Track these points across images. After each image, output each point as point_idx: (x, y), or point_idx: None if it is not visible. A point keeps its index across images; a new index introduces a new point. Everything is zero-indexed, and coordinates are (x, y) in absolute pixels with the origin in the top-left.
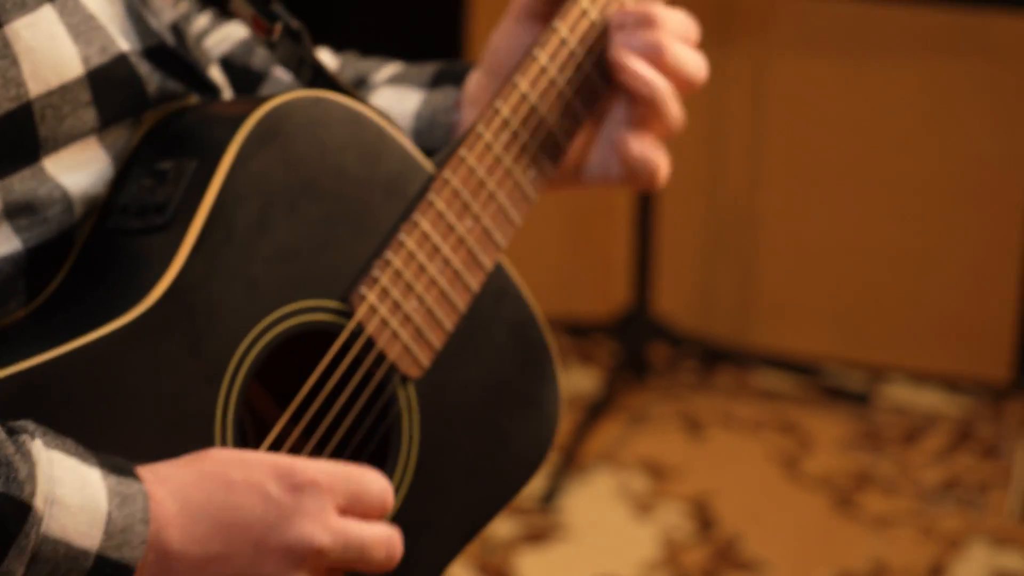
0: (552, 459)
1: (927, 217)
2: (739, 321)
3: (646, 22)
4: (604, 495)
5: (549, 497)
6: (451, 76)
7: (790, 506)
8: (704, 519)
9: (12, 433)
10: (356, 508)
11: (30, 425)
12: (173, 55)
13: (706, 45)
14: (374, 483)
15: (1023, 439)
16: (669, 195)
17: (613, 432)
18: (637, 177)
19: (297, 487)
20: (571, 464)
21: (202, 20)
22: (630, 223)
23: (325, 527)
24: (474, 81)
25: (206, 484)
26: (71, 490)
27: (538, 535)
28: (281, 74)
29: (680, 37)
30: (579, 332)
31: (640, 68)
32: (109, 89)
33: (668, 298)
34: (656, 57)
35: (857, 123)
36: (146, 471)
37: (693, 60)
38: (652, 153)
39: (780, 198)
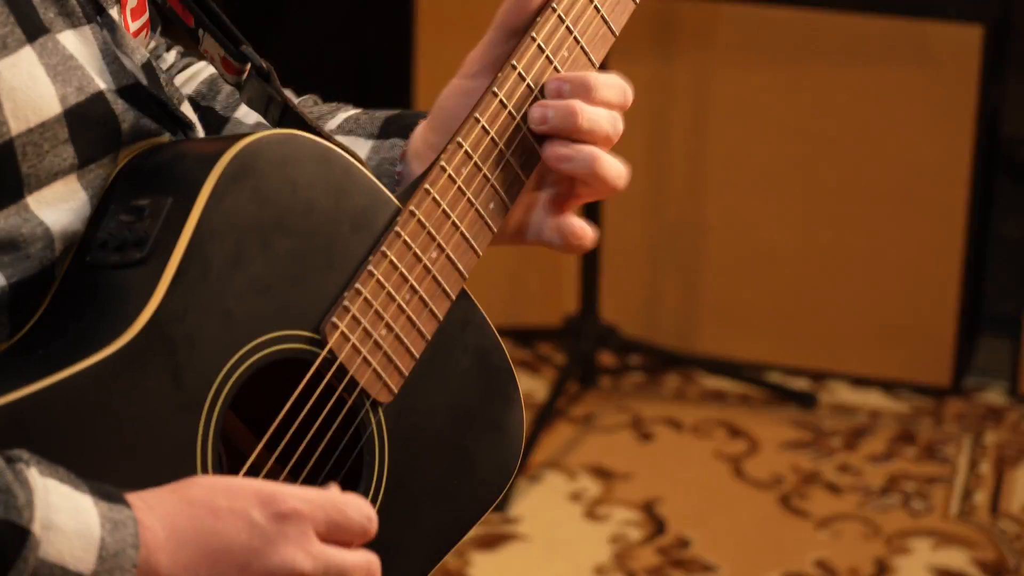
0: None
1: (868, 223)
2: (684, 327)
3: (583, 90)
4: (555, 500)
5: (502, 502)
6: (399, 127)
7: (737, 508)
8: (653, 522)
9: (9, 461)
10: (337, 534)
11: (25, 454)
12: (147, 93)
13: (648, 54)
14: (356, 510)
15: (964, 440)
16: (614, 204)
17: (562, 438)
18: (566, 245)
19: (280, 515)
20: (522, 470)
21: (169, 57)
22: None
23: (307, 553)
24: (419, 135)
25: (193, 511)
26: (66, 516)
27: (491, 541)
28: (241, 115)
29: (618, 105)
30: (528, 340)
31: (563, 152)
32: (85, 127)
33: (614, 305)
34: (571, 127)
35: (798, 130)
36: (135, 498)
37: (604, 118)
38: (576, 223)
39: (723, 206)
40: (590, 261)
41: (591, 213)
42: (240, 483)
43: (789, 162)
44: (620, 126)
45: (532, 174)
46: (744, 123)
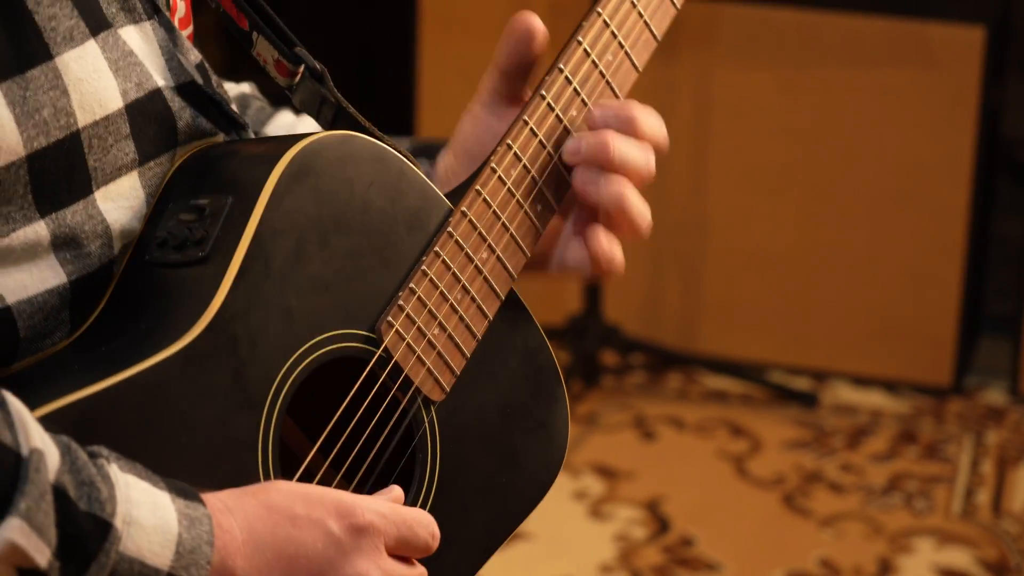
0: None
1: (870, 222)
2: (687, 326)
3: (627, 122)
4: (559, 499)
5: None
6: (425, 152)
7: (740, 506)
8: (657, 521)
9: (92, 456)
10: (404, 550)
11: (104, 450)
12: (203, 92)
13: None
14: (423, 528)
15: (965, 440)
16: None
17: None
18: (599, 272)
19: (356, 527)
20: None
21: None
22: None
23: (378, 567)
24: (443, 163)
25: (272, 517)
26: (146, 511)
27: None
28: (271, 130)
29: (654, 138)
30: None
31: (586, 177)
32: (144, 123)
33: (617, 305)
34: (604, 159)
35: (800, 131)
36: (214, 499)
37: (639, 155)
38: (610, 249)
39: (725, 205)
40: None
41: None
42: (319, 492)
43: (791, 162)
44: (653, 164)
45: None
46: (746, 123)
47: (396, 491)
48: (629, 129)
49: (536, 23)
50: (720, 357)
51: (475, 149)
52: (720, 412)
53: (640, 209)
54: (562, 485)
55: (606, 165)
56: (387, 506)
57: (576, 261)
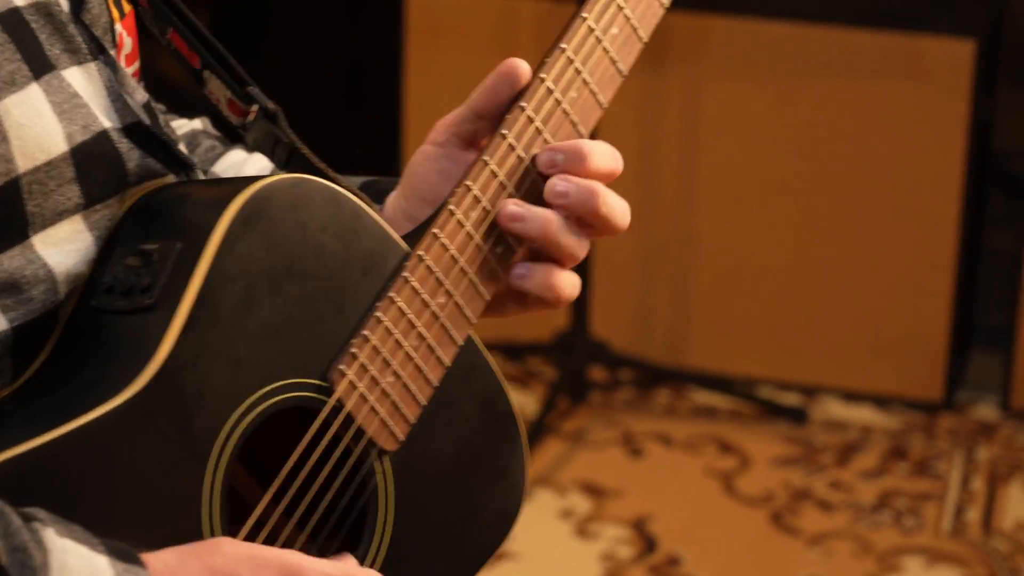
0: None
1: (860, 237)
2: (675, 342)
3: (577, 159)
4: (545, 517)
5: None
6: (374, 191)
7: (728, 525)
8: (644, 539)
9: (26, 520)
10: None
11: (41, 513)
12: (150, 133)
13: (640, 67)
14: None
15: (956, 456)
16: None
17: (553, 454)
18: (551, 299)
19: None
20: None
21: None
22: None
23: None
24: (391, 203)
25: None
26: None
27: None
28: (220, 169)
29: (608, 173)
30: (518, 355)
31: (565, 231)
32: (91, 166)
33: (605, 320)
34: (590, 208)
35: (790, 144)
36: (155, 559)
37: (619, 208)
38: (556, 281)
39: (714, 219)
40: (580, 275)
41: None
42: (264, 553)
43: (780, 176)
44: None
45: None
46: (735, 137)
47: (347, 557)
48: (584, 165)
49: (525, 69)
50: (709, 372)
51: (426, 191)
52: (709, 428)
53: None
54: (548, 503)
55: (590, 216)
56: (335, 567)
57: (534, 289)
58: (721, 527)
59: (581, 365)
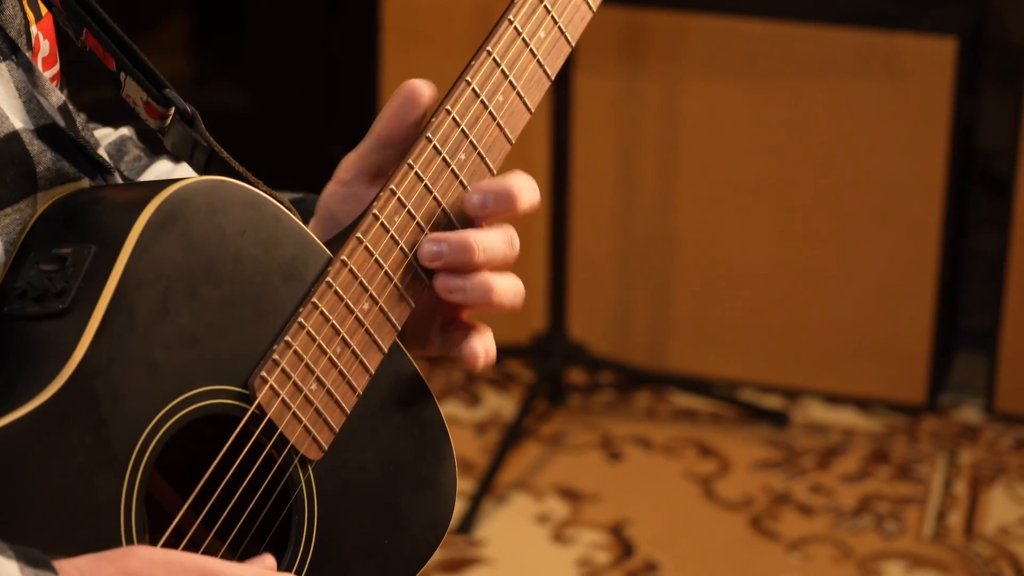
0: (469, 485)
1: (841, 238)
2: (655, 344)
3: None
4: (521, 522)
5: (467, 524)
6: (300, 210)
7: (707, 530)
8: (621, 545)
9: None
10: None
11: None
12: (65, 135)
13: (617, 68)
14: None
15: (939, 459)
16: (583, 219)
17: (530, 457)
18: (463, 362)
19: None
20: (488, 491)
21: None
22: (545, 248)
23: None
24: (311, 227)
25: None
26: None
27: (455, 564)
28: (150, 178)
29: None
30: (496, 358)
31: (455, 284)
32: (1, 167)
33: (584, 322)
34: (466, 264)
35: (770, 144)
36: (68, 565)
37: (498, 249)
38: (476, 346)
39: (694, 221)
40: (558, 277)
41: (558, 226)
42: (180, 558)
43: (761, 176)
44: (517, 243)
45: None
46: (715, 137)
47: (268, 559)
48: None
49: (425, 88)
50: (689, 375)
51: (336, 227)
52: (689, 431)
53: (511, 293)
54: (524, 508)
55: (470, 268)
56: (254, 571)
57: (454, 352)
58: (700, 532)
59: (559, 368)
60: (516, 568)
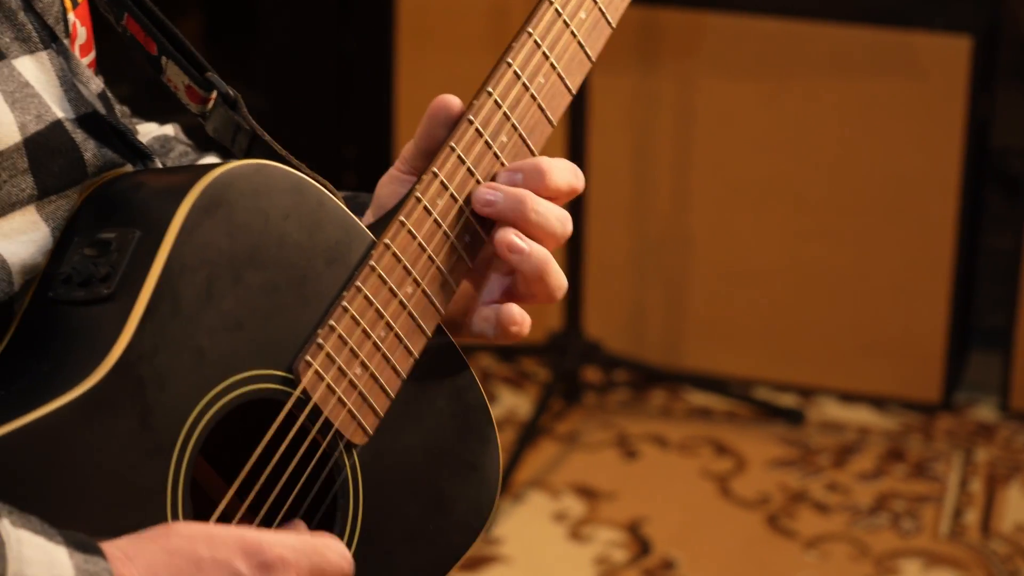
0: None
1: (856, 237)
2: (670, 342)
3: (537, 177)
4: (538, 520)
5: None
6: (353, 206)
7: (723, 528)
8: (638, 543)
9: None
10: None
11: None
12: (106, 123)
13: (632, 66)
14: (335, 552)
15: (954, 458)
16: (598, 217)
17: (546, 456)
18: (501, 334)
19: (265, 564)
20: (505, 489)
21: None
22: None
23: None
24: (366, 218)
25: (174, 561)
26: (40, 570)
27: (473, 563)
28: None
29: (567, 189)
30: (511, 356)
31: (517, 242)
32: (46, 156)
33: (599, 321)
34: (520, 218)
35: (784, 143)
36: (112, 547)
37: (554, 214)
38: (514, 311)
39: (708, 219)
40: (574, 276)
41: (574, 225)
42: (222, 531)
43: (775, 174)
44: (569, 227)
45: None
46: (729, 135)
47: (299, 524)
48: (544, 182)
49: (454, 103)
50: (705, 373)
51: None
52: (704, 430)
53: (557, 280)
54: (541, 506)
55: (522, 223)
56: (294, 537)
57: (481, 324)
58: (716, 530)
59: (575, 366)
60: (533, 566)
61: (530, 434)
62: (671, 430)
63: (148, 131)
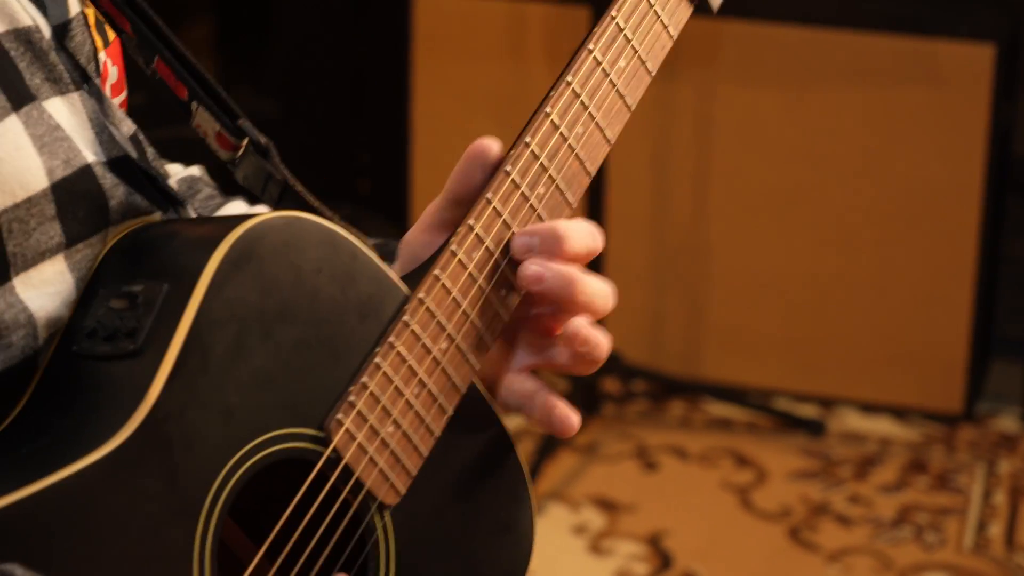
0: None
1: (877, 245)
2: (689, 352)
3: (553, 242)
4: (558, 533)
5: None
6: (383, 253)
7: (745, 540)
8: (659, 556)
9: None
10: None
11: (18, 569)
12: (136, 167)
13: None
14: None
15: (977, 469)
16: (617, 226)
17: (565, 467)
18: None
19: None
20: None
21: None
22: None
23: None
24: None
25: None
26: None
27: None
28: (226, 212)
29: (586, 254)
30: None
31: (562, 321)
32: (72, 202)
33: (617, 330)
34: (568, 297)
35: (804, 151)
36: None
37: (600, 292)
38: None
39: (728, 228)
40: None
41: None
42: None
43: (796, 183)
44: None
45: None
46: (749, 144)
47: None
48: (562, 248)
49: (493, 147)
50: (724, 384)
51: (422, 255)
52: (724, 441)
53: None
54: (561, 519)
55: (568, 306)
56: None
57: (511, 399)
58: (738, 543)
59: (593, 377)
60: None
61: (548, 446)
62: (691, 441)
63: (174, 172)
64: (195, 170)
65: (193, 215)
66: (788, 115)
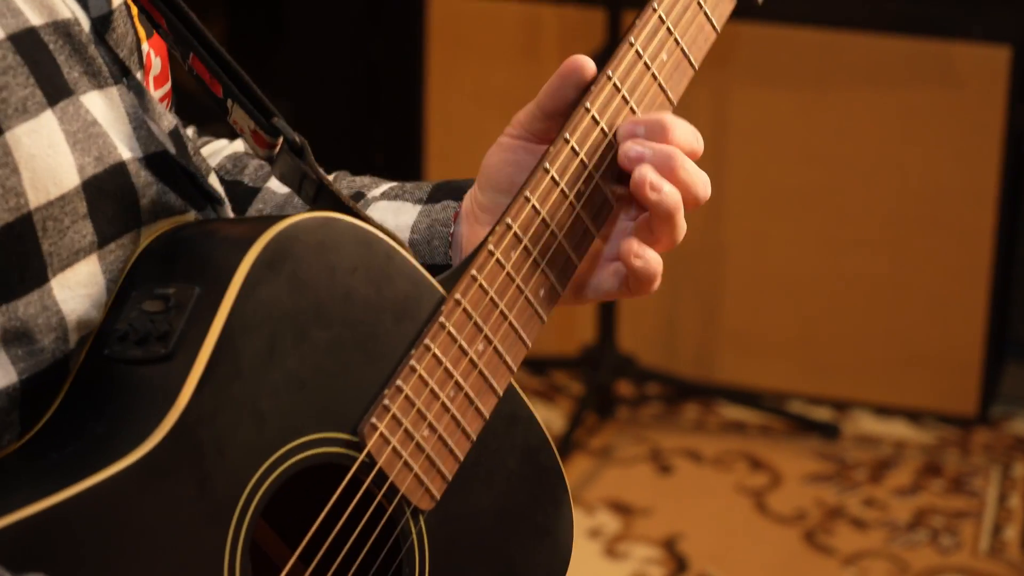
0: None
1: (892, 248)
2: (703, 356)
3: (659, 131)
4: (574, 535)
5: None
6: (449, 190)
7: (760, 544)
8: (674, 560)
9: None
10: None
11: None
12: (175, 163)
13: None
14: None
15: (992, 472)
16: None
17: (580, 471)
18: (639, 286)
19: None
20: None
21: (188, 132)
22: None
23: None
24: (470, 196)
25: None
26: None
27: None
28: (274, 185)
29: (688, 150)
30: (543, 370)
31: (656, 180)
32: (102, 201)
33: (632, 334)
34: (668, 170)
35: (820, 153)
36: None
37: (700, 177)
38: (655, 262)
39: (743, 231)
40: None
41: None
42: None
43: (810, 186)
44: (709, 191)
45: (598, 230)
46: (764, 145)
47: None
48: (666, 138)
49: (588, 66)
50: (738, 387)
51: (500, 180)
52: (739, 444)
53: (684, 226)
54: (576, 522)
55: (669, 179)
56: None
57: (610, 283)
58: (753, 546)
59: (608, 380)
60: None
61: (563, 449)
62: (705, 444)
63: (219, 149)
64: (239, 144)
65: (231, 215)
66: (803, 117)
